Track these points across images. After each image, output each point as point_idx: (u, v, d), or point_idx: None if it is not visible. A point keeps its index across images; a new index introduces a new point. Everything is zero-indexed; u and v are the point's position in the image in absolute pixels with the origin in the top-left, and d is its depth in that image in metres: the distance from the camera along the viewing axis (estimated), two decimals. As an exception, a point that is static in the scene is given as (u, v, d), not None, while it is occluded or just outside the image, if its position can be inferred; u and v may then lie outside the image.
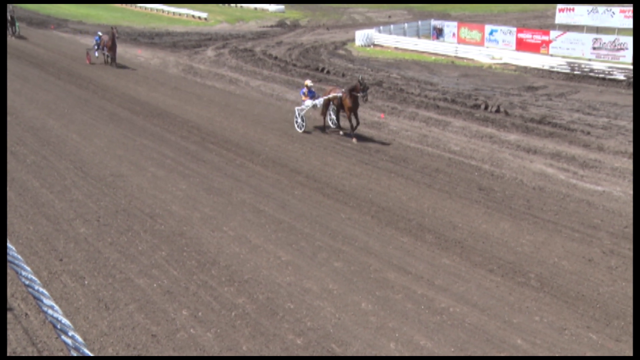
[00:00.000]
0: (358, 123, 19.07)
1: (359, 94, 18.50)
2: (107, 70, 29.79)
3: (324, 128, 20.21)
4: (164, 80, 28.47)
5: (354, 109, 18.92)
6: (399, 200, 14.30)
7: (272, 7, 64.63)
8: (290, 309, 9.55)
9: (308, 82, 20.75)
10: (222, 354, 8.42)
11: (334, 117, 20.21)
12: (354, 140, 18.87)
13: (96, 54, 31.27)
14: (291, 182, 15.33)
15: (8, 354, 8.16)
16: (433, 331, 9.08)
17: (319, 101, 20.06)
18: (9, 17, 38.95)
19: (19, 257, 1.71)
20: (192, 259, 11.06)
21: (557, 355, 8.63)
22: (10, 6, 42.30)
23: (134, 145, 18.00)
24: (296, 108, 20.47)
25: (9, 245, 1.73)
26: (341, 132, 19.70)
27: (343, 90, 19.25)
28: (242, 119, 21.52)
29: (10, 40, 38.01)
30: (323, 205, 13.89)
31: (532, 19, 54.31)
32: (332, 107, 20.03)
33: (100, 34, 31.31)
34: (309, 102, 20.25)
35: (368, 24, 53.44)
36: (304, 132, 19.85)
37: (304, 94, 20.48)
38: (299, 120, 20.14)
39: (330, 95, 19.51)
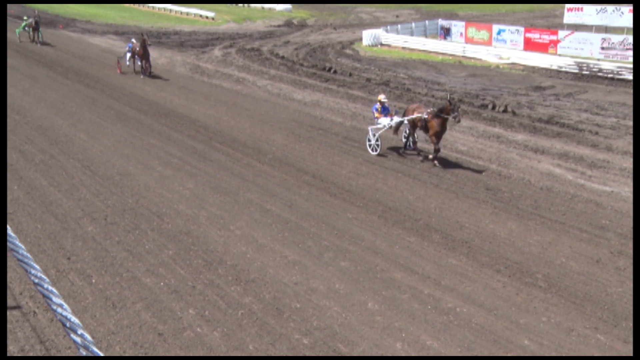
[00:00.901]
0: (438, 149, 16.73)
1: (448, 116, 16.06)
2: (115, 70, 29.86)
3: (403, 147, 17.96)
4: (172, 79, 28.54)
5: (440, 133, 16.49)
6: (406, 200, 14.28)
7: (279, 7, 64.67)
8: (297, 308, 9.56)
9: (382, 97, 18.14)
10: (228, 353, 8.43)
11: (409, 137, 17.95)
12: (436, 162, 16.63)
13: (127, 62, 29.27)
14: (298, 182, 15.33)
15: (16, 352, 8.20)
16: (440, 331, 9.06)
17: (396, 120, 17.59)
18: (33, 23, 36.87)
19: (28, 255, 1.72)
20: (198, 258, 11.09)
21: (564, 355, 8.60)
22: (35, 10, 41.19)
23: (142, 144, 18.06)
24: (370, 128, 17.99)
25: (18, 244, 1.74)
26: (421, 157, 17.24)
27: (429, 110, 16.69)
28: (249, 119, 21.55)
29: (26, 42, 38.19)
30: (330, 205, 13.89)
31: (540, 18, 54.11)
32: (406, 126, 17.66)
33: (134, 40, 29.01)
34: (384, 121, 17.83)
35: (375, 23, 53.39)
36: (378, 154, 17.56)
37: (376, 110, 18.07)
38: (373, 141, 17.65)
39: (414, 116, 16.90)
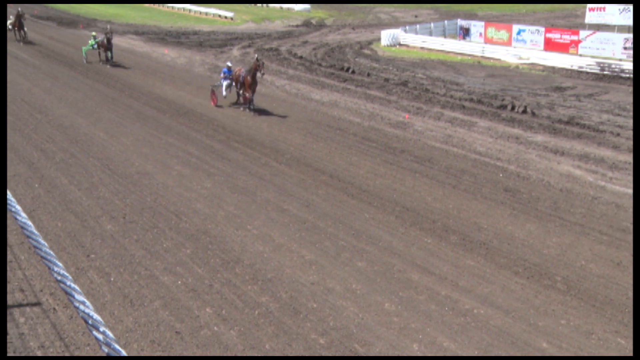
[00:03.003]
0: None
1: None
2: (134, 70, 30.12)
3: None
4: (190, 79, 28.70)
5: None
6: (424, 201, 14.22)
7: (298, 7, 64.71)
8: (314, 308, 9.56)
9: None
10: (245, 352, 8.46)
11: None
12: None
13: (224, 92, 23.25)
14: (315, 182, 15.34)
15: (36, 348, 8.31)
16: (457, 333, 9.01)
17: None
18: (105, 41, 30.75)
19: (52, 253, 1.74)
20: (216, 257, 11.14)
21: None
22: (108, 25, 37.59)
23: (160, 143, 18.19)
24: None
25: (41, 241, 1.76)
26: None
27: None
28: (267, 118, 21.60)
29: (41, 39, 38.67)
30: (347, 205, 13.87)
31: (561, 18, 53.56)
32: None
33: (229, 64, 23.66)
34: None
35: (394, 23, 53.22)
36: None
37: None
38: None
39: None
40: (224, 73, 23.25)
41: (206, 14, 59.50)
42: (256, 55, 22.55)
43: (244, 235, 12.13)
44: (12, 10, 52.75)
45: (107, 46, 30.74)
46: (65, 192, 14.12)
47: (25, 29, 36.91)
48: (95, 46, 31.52)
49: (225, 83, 23.14)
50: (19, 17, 36.04)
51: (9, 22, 36.95)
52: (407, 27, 43.21)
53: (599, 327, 9.25)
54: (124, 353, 1.62)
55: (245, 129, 20.18)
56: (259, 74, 21.71)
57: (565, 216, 13.39)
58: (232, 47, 38.88)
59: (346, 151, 17.98)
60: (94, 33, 33.26)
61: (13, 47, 34.78)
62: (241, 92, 22.74)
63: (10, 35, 36.47)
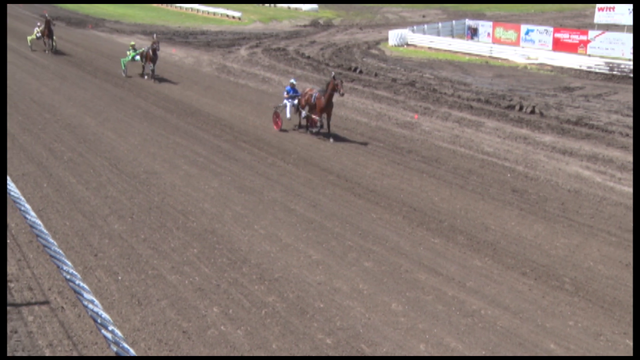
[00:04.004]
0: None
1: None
2: (142, 69, 30.18)
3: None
4: (198, 79, 28.77)
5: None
6: (431, 201, 14.19)
7: (305, 7, 64.76)
8: (320, 308, 9.56)
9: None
10: (252, 351, 8.47)
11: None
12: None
13: (288, 114, 20.14)
14: (322, 182, 15.34)
15: (45, 346, 8.34)
16: (464, 333, 8.99)
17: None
18: (150, 52, 26.83)
19: (61, 252, 1.75)
20: (223, 256, 11.16)
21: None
22: (154, 35, 31.08)
23: (168, 143, 18.24)
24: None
25: (50, 240, 1.77)
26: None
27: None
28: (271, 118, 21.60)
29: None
30: (354, 205, 13.87)
31: (570, 18, 53.33)
32: None
33: (293, 82, 20.72)
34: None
35: (402, 23, 53.15)
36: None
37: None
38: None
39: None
40: (288, 92, 20.21)
41: (214, 13, 59.64)
42: (333, 73, 19.74)
43: (251, 235, 12.15)
44: (21, 8, 52.89)
45: (152, 58, 26.70)
46: (73, 191, 14.18)
47: (55, 37, 33.33)
48: (137, 57, 27.84)
49: (289, 103, 20.09)
50: (48, 24, 32.33)
51: (36, 29, 33.53)
52: (415, 27, 43.16)
53: (608, 329, 9.20)
54: (132, 352, 1.62)
55: (253, 128, 20.20)
56: (336, 95, 18.47)
57: (574, 217, 13.33)
58: (239, 47, 38.95)
59: (353, 151, 17.97)
60: (132, 42, 30.03)
61: (21, 46, 34.95)
62: (305, 112, 19.63)
63: (24, 44, 34.20)
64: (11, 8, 53.80)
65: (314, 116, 19.17)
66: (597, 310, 9.70)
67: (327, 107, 18.66)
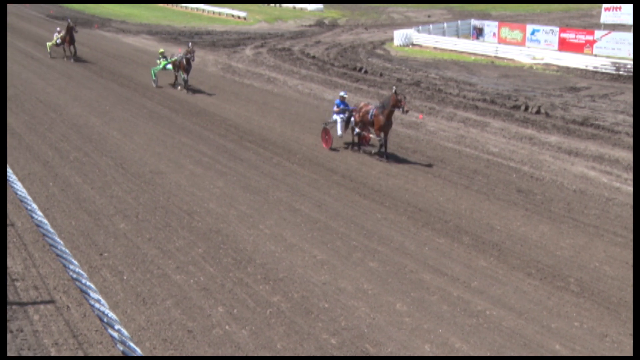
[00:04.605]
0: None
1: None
2: (147, 69, 30.25)
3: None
4: (203, 78, 28.79)
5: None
6: (436, 201, 14.18)
7: (310, 7, 64.77)
8: (325, 308, 9.56)
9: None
10: (256, 351, 8.48)
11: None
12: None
13: (339, 131, 18.04)
14: (327, 182, 15.34)
15: (50, 345, 8.37)
16: (469, 334, 8.97)
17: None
18: (183, 61, 24.52)
19: (67, 251, 1.76)
20: (228, 256, 11.17)
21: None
22: (189, 43, 27.48)
23: (173, 143, 18.27)
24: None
25: (57, 239, 1.78)
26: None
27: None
28: (279, 118, 21.63)
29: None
30: (359, 205, 13.86)
31: (576, 18, 53.16)
32: None
33: (343, 94, 18.45)
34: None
35: (407, 23, 53.08)
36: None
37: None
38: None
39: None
40: (338, 105, 18.11)
41: (219, 13, 59.72)
42: (395, 88, 16.87)
43: (256, 234, 12.16)
44: (27, 8, 53.13)
45: (186, 67, 24.56)
46: (79, 190, 14.22)
47: (75, 43, 31.49)
48: (169, 66, 25.78)
49: (340, 118, 17.95)
50: (70, 30, 30.42)
51: (56, 35, 31.68)
52: (420, 27, 43.10)
53: (614, 330, 9.17)
54: (139, 351, 1.63)
55: (258, 128, 20.22)
56: (397, 112, 16.65)
57: (579, 217, 13.29)
58: (244, 46, 38.99)
59: (358, 151, 17.95)
60: (161, 50, 27.82)
61: (27, 46, 35.10)
62: (357, 129, 17.65)
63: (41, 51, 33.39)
64: (17, 8, 54.05)
65: (368, 134, 17.43)
66: (603, 311, 9.66)
67: (387, 126, 16.60)
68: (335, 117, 18.18)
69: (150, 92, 25.27)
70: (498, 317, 9.40)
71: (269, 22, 55.43)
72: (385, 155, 16.93)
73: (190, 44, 26.15)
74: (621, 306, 9.78)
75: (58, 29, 32.35)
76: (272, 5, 68.26)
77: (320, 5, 65.58)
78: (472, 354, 8.53)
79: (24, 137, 17.97)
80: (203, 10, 61.80)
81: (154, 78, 26.29)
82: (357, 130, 17.70)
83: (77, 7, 59.27)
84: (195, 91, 25.46)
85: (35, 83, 25.82)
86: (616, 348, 8.72)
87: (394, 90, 16.55)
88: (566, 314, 9.57)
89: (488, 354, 8.53)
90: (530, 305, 9.79)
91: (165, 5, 66.04)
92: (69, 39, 30.75)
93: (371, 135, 17.38)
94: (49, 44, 32.15)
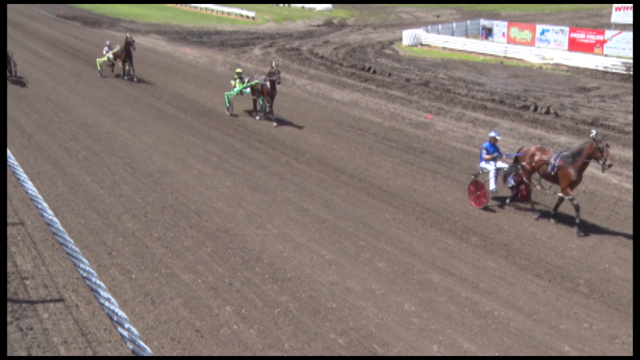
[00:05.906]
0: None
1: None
2: (156, 69, 30.38)
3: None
4: (212, 78, 28.86)
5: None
6: (444, 202, 14.14)
7: (319, 7, 64.75)
8: (333, 308, 9.56)
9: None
10: (264, 351, 8.49)
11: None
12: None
13: (493, 185, 13.77)
14: (335, 182, 15.34)
15: (59, 343, 8.42)
16: (477, 334, 8.94)
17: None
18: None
19: (77, 250, 1.76)
20: (236, 255, 11.19)
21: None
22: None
23: (181, 142, 18.32)
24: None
25: (67, 238, 1.79)
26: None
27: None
28: (287, 118, 21.63)
29: (67, 39, 39.18)
30: (367, 205, 13.85)
31: (586, 18, 52.86)
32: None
33: (495, 135, 14.07)
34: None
35: (416, 23, 52.98)
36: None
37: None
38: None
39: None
40: (488, 150, 14.01)
41: (228, 13, 59.81)
42: (594, 132, 12.54)
43: (264, 234, 12.17)
44: (38, 8, 53.30)
45: (271, 93, 20.32)
46: (88, 190, 14.29)
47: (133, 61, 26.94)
48: (247, 90, 21.55)
49: (494, 168, 13.88)
50: (128, 46, 25.94)
51: (111, 51, 27.79)
52: (429, 27, 43.01)
53: (623, 332, 9.11)
54: (148, 350, 1.63)
55: (266, 128, 20.23)
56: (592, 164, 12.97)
57: (589, 218, 13.20)
58: (253, 46, 39.03)
59: (367, 151, 17.95)
60: (239, 70, 23.07)
61: (38, 46, 35.25)
62: (512, 182, 13.91)
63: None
64: (29, 8, 54.37)
65: (531, 186, 13.61)
66: (613, 313, 9.61)
67: (576, 182, 12.57)
68: (485, 165, 14.05)
69: (158, 92, 25.35)
70: (506, 318, 9.37)
71: (278, 22, 55.47)
72: (577, 224, 12.44)
73: (274, 62, 21.67)
74: (631, 308, 9.71)
75: (108, 42, 28.84)
76: (281, 5, 68.29)
77: (328, 5, 65.55)
78: (480, 354, 8.51)
79: (33, 136, 18.08)
80: (212, 10, 61.92)
81: (227, 105, 21.79)
82: (511, 181, 13.85)
83: (87, 7, 59.53)
84: (281, 122, 20.84)
85: (45, 82, 25.96)
86: (626, 350, 8.66)
87: (593, 136, 12.16)
88: (575, 315, 9.52)
89: (496, 355, 8.50)
90: (539, 306, 9.75)
91: (174, 5, 66.22)
92: (125, 55, 26.47)
93: (537, 188, 13.64)
94: (99, 60, 28.09)
